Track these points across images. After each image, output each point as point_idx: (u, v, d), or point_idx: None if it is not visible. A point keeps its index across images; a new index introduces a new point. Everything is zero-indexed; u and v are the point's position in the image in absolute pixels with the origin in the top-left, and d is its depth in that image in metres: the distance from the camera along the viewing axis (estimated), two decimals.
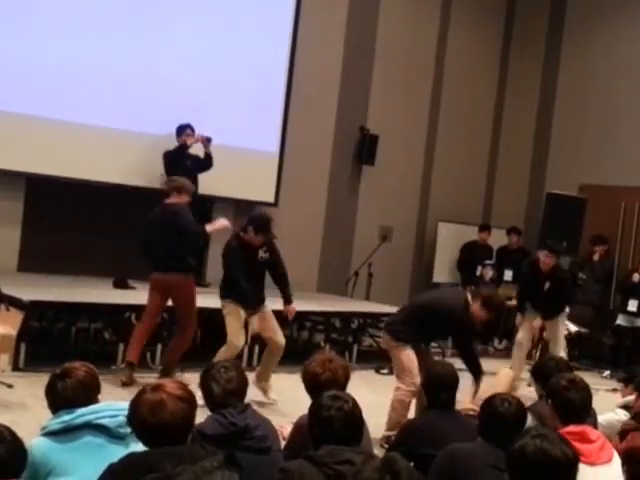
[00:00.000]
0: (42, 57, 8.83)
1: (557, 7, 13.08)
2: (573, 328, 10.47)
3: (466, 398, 6.02)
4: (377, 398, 6.87)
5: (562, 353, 8.54)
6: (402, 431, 4.62)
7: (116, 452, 3.13)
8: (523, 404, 3.98)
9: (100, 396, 3.44)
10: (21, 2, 8.79)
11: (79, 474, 3.16)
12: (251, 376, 6.11)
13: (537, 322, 9.16)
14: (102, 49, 9.17)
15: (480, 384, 6.43)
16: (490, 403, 3.94)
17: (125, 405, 3.27)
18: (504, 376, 7.53)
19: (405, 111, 12.33)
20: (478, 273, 11.66)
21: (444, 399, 4.55)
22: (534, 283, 8.92)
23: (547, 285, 8.85)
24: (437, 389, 4.59)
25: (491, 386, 6.30)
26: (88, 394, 3.33)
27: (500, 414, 3.84)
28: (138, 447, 3.19)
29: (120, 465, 2.92)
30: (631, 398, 5.56)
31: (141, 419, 2.95)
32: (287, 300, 7.37)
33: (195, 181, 9.57)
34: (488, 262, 11.77)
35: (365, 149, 11.79)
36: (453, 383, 4.65)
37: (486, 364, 8.57)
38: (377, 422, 6.23)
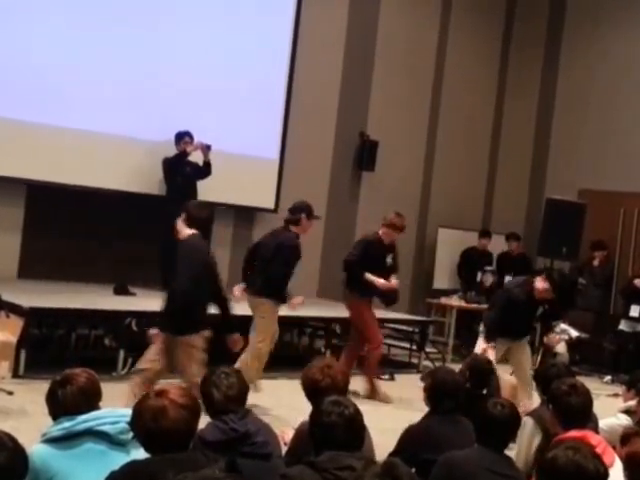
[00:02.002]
0: (42, 64, 8.82)
1: (556, 11, 13.09)
2: (574, 333, 10.47)
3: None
4: (378, 404, 6.87)
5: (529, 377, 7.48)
6: (403, 437, 4.61)
7: (117, 459, 3.12)
8: (516, 406, 3.98)
9: (101, 402, 3.43)
10: (20, 8, 8.79)
11: None
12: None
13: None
14: (101, 55, 9.17)
15: None
16: (484, 408, 3.94)
17: (126, 411, 3.27)
18: (505, 384, 7.49)
19: (405, 117, 12.34)
20: (478, 279, 11.65)
21: (448, 406, 4.54)
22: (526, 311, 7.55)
23: (540, 310, 7.65)
24: (441, 395, 4.58)
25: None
26: (89, 401, 3.32)
27: (494, 417, 3.85)
28: (139, 454, 3.18)
29: (121, 473, 2.91)
30: (633, 403, 5.55)
31: (143, 425, 2.95)
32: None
33: (194, 188, 9.59)
34: (488, 268, 11.77)
35: (365, 155, 11.79)
36: (457, 390, 4.64)
37: None
38: (378, 427, 6.21)
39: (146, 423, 2.92)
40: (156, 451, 2.92)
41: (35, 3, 8.83)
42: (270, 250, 7.21)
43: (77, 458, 3.18)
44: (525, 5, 13.51)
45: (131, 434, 3.20)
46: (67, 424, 3.21)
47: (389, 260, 8.29)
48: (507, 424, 3.88)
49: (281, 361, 7.86)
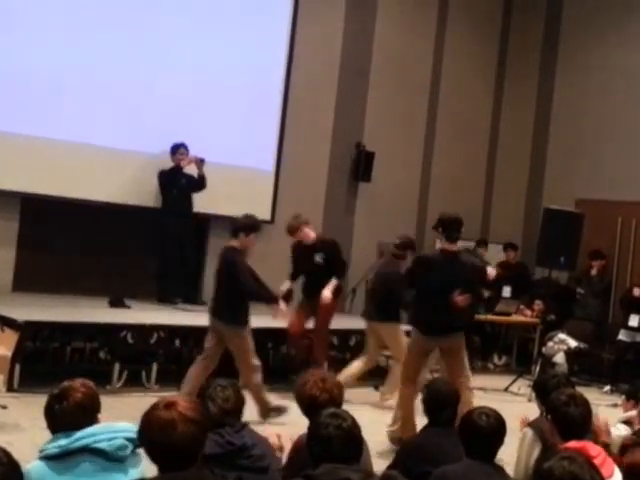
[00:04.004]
0: (37, 77, 8.82)
1: (552, 22, 13.12)
2: (572, 343, 10.43)
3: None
4: (375, 415, 6.83)
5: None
6: (401, 449, 4.57)
7: (115, 477, 3.10)
8: (501, 415, 3.95)
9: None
10: (17, 21, 8.77)
11: None
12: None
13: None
14: (96, 68, 9.16)
15: None
16: (469, 419, 3.91)
17: (124, 426, 3.25)
18: None
19: (401, 127, 12.34)
20: None
21: (445, 417, 4.51)
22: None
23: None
24: (438, 407, 4.55)
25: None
26: (87, 415, 3.27)
27: (482, 428, 3.82)
28: (137, 471, 3.15)
29: None
30: (632, 413, 5.52)
31: (151, 437, 2.87)
32: None
33: (190, 200, 9.58)
34: None
35: (361, 166, 11.78)
36: (454, 401, 4.61)
37: (486, 381, 8.57)
38: (376, 439, 6.18)
39: (154, 435, 2.85)
40: (162, 464, 2.85)
41: (32, 16, 8.82)
42: None
43: (74, 476, 3.13)
44: (521, 16, 13.54)
45: (129, 450, 3.17)
46: (63, 442, 3.16)
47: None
48: (495, 434, 3.85)
49: (278, 373, 7.83)
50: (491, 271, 6.92)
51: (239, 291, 6.85)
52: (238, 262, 6.87)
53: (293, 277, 8.36)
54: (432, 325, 6.50)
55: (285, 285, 8.13)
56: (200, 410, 2.99)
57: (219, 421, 3.68)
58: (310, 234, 8.28)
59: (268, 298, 7.05)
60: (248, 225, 7.02)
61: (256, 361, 6.96)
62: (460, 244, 12.34)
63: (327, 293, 8.13)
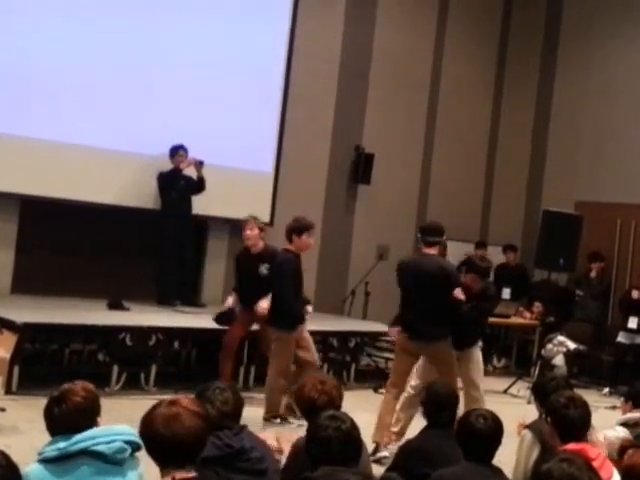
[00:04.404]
0: (36, 78, 8.81)
1: (552, 24, 13.12)
2: (572, 345, 10.42)
3: None
4: (375, 418, 6.81)
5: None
6: (400, 452, 4.57)
7: None
8: (498, 417, 3.95)
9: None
10: (14, 23, 8.77)
11: None
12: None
13: None
14: (95, 69, 9.15)
15: None
16: (466, 422, 3.90)
17: (123, 429, 3.23)
18: None
19: (401, 129, 12.33)
20: None
21: (444, 419, 4.51)
22: None
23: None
24: (437, 408, 4.55)
25: None
26: (86, 418, 3.25)
27: (479, 431, 3.82)
28: (136, 474, 3.14)
29: None
30: (632, 415, 5.51)
31: (154, 433, 2.83)
32: None
33: (189, 202, 9.57)
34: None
35: (361, 168, 11.76)
36: (453, 402, 4.61)
37: (485, 383, 8.52)
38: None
39: (157, 430, 2.81)
40: (164, 460, 2.82)
41: (32, 16, 8.79)
42: None
43: (73, 479, 3.12)
44: (521, 17, 13.54)
45: (128, 453, 3.15)
46: (62, 444, 3.15)
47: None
48: (492, 436, 3.85)
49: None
50: (458, 293, 6.70)
51: (289, 294, 7.19)
52: (284, 264, 7.20)
53: (238, 290, 7.85)
54: (408, 325, 6.67)
55: (230, 300, 7.82)
56: (203, 406, 2.99)
57: (218, 424, 3.66)
58: (257, 242, 7.91)
59: (299, 316, 7.33)
60: (297, 227, 7.29)
61: (290, 367, 7.18)
62: (461, 246, 12.42)
63: (264, 304, 7.50)
